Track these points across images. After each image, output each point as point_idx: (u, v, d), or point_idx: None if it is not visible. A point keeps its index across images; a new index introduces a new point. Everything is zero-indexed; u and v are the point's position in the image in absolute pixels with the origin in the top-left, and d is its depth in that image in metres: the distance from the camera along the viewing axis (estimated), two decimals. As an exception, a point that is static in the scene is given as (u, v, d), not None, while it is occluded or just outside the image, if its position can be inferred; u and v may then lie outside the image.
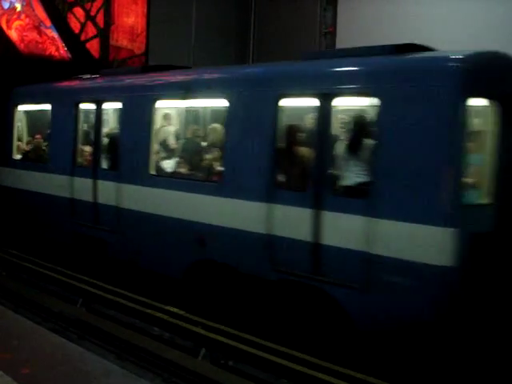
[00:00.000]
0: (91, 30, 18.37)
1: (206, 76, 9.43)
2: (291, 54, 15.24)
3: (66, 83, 12.34)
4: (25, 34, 17.03)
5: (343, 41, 17.78)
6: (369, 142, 7.02)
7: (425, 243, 6.23)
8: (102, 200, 10.25)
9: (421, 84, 6.48)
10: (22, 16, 16.97)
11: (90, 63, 17.34)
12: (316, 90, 7.34)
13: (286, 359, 6.91)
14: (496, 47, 6.97)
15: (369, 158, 6.88)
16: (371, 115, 7.05)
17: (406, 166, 6.46)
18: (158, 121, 9.70)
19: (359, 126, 7.30)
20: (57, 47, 17.67)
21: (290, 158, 7.76)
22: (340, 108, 7.59)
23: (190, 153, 9.37)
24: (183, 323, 8.12)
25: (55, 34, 17.58)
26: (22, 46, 16.97)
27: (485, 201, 6.68)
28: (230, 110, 8.29)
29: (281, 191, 7.53)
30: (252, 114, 7.98)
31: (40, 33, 17.32)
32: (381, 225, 6.51)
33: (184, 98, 9.21)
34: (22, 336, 7.10)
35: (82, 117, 11.25)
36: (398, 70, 6.95)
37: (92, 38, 18.42)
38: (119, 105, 10.23)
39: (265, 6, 21.03)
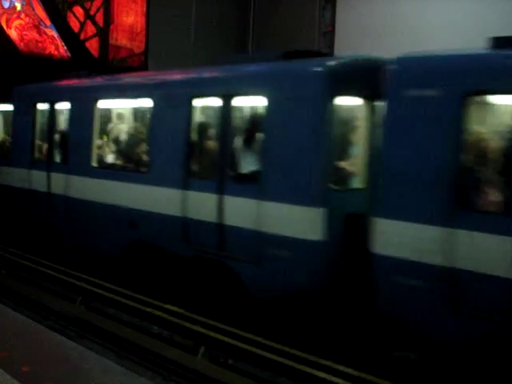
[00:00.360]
0: (91, 29, 18.41)
1: (136, 80, 10.71)
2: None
3: (25, 86, 12.83)
4: (24, 33, 17.07)
5: (342, 40, 17.84)
6: (259, 136, 8.02)
7: (300, 221, 7.33)
8: (54, 190, 11.35)
9: (297, 86, 7.63)
10: (22, 15, 17.01)
11: (89, 62, 17.37)
12: (219, 92, 8.40)
13: (286, 357, 6.91)
14: None
15: (259, 149, 7.92)
16: (261, 113, 8.09)
17: (287, 156, 7.56)
18: (98, 119, 10.65)
19: (252, 122, 8.38)
20: (56, 46, 17.70)
21: (200, 151, 8.87)
22: (238, 107, 8.45)
23: (124, 147, 10.53)
24: (182, 321, 8.12)
25: (55, 33, 17.62)
26: (21, 45, 17.01)
27: (356, 186, 7.67)
28: (154, 109, 9.41)
29: (193, 180, 8.60)
30: (170, 113, 9.07)
31: (40, 32, 17.36)
32: (267, 206, 7.60)
33: (119, 98, 10.61)
34: (22, 334, 7.10)
35: (38, 116, 12.14)
36: (281, 74, 8.08)
37: (91, 37, 18.46)
38: (68, 105, 11.28)
39: (264, 5, 21.06)
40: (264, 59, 8.57)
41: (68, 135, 11.18)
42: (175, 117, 8.96)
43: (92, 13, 18.38)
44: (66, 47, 17.81)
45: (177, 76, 9.99)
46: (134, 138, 10.42)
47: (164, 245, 9.10)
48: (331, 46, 18.28)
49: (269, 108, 7.75)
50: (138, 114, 10.73)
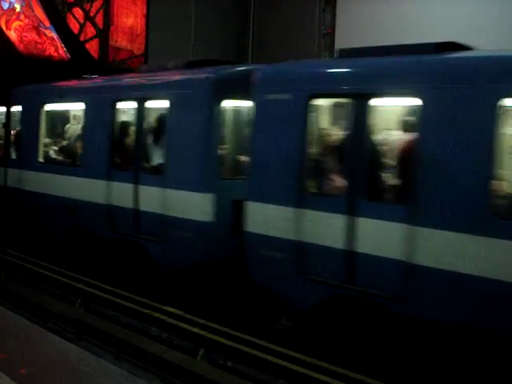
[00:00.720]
0: (90, 31, 18.39)
1: (72, 86, 12.10)
2: (290, 55, 15.29)
3: None
4: (24, 34, 17.04)
5: (342, 41, 17.81)
6: (164, 133, 9.32)
7: (195, 206, 8.70)
8: (10, 184, 12.92)
9: (192, 91, 9.02)
10: (22, 16, 16.99)
11: (89, 64, 17.36)
12: (135, 96, 9.87)
13: (285, 360, 6.91)
14: (495, 46, 7.16)
15: (164, 145, 9.25)
16: (165, 114, 9.34)
17: (184, 151, 8.91)
18: (44, 120, 12.19)
19: (159, 122, 9.60)
20: (56, 48, 17.68)
21: (121, 147, 10.24)
22: (149, 109, 9.75)
23: (64, 145, 12.09)
24: (181, 323, 8.11)
25: (54, 35, 17.60)
26: (21, 47, 16.98)
27: (241, 176, 8.60)
28: (86, 111, 10.93)
29: (115, 171, 10.02)
30: (98, 114, 10.56)
31: (39, 33, 17.34)
32: (170, 193, 8.97)
33: (60, 101, 11.99)
34: (21, 336, 7.08)
35: None
36: (180, 81, 9.53)
37: (91, 39, 18.44)
38: (20, 108, 12.96)
39: (264, 6, 21.05)
40: (173, 67, 10.26)
41: (21, 135, 12.84)
42: (102, 118, 10.40)
43: (92, 14, 18.37)
44: (65, 49, 17.79)
45: (104, 83, 11.52)
46: (71, 137, 11.94)
47: (94, 229, 10.55)
48: (331, 47, 18.27)
49: (171, 110, 9.14)
50: (74, 115, 11.98)
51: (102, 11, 18.55)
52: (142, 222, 9.47)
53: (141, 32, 19.31)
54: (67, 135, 12.08)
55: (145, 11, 19.33)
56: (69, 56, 17.81)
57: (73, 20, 18.03)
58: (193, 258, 8.83)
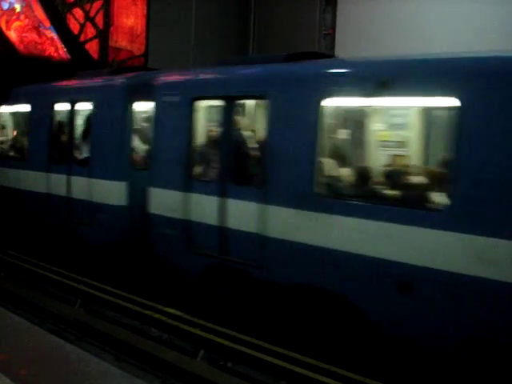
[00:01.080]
0: (90, 31, 18.38)
1: (20, 91, 13.13)
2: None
3: None
4: (24, 34, 17.04)
5: (342, 42, 17.84)
6: (89, 131, 10.84)
7: (112, 192, 10.09)
8: None
9: (110, 95, 10.50)
10: (22, 17, 16.99)
11: (89, 64, 17.35)
12: (69, 98, 11.27)
13: (285, 361, 6.90)
14: (494, 46, 7.19)
15: (89, 141, 10.70)
16: (90, 114, 10.77)
17: (104, 146, 10.36)
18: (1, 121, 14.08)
19: (86, 121, 10.92)
20: (56, 48, 17.68)
21: (57, 143, 11.53)
22: (80, 110, 11.13)
23: (16, 142, 13.50)
24: (182, 324, 8.11)
25: (54, 35, 17.59)
26: (21, 47, 16.98)
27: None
28: (31, 112, 12.45)
29: (53, 165, 11.39)
30: (41, 115, 11.93)
31: (39, 33, 17.33)
32: (93, 182, 10.40)
33: (16, 104, 13.33)
34: (21, 337, 7.08)
35: None
36: (102, 86, 10.99)
37: (91, 39, 18.43)
38: None
39: (264, 7, 21.05)
40: (101, 74, 11.78)
41: None
42: (43, 117, 11.80)
43: (92, 15, 18.36)
44: (65, 49, 17.79)
45: (44, 87, 12.65)
46: (20, 135, 13.42)
47: (40, 216, 11.92)
48: (332, 48, 18.27)
49: (95, 111, 10.58)
50: (24, 116, 13.24)
51: (102, 12, 18.54)
52: (72, 208, 10.95)
53: (141, 32, 19.31)
54: (17, 134, 13.74)
55: (145, 11, 19.33)
56: (69, 56, 17.81)
57: (73, 20, 18.03)
58: (111, 237, 10.25)
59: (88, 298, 9.47)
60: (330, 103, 7.13)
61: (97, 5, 18.41)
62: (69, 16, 17.93)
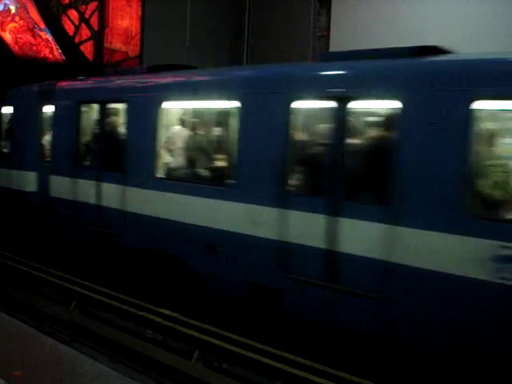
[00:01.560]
0: (85, 33, 18.37)
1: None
2: (285, 57, 15.28)
3: None
4: (19, 36, 17.02)
5: (337, 44, 17.84)
6: (11, 129, 12.76)
7: (26, 180, 12.08)
8: None
9: (27, 99, 12.31)
10: (17, 18, 16.96)
11: (84, 65, 17.33)
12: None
13: (281, 362, 6.89)
14: (494, 47, 7.20)
15: (11, 138, 12.78)
16: (12, 116, 12.78)
17: (20, 142, 12.26)
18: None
19: (10, 121, 12.83)
20: (51, 49, 17.66)
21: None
22: (5, 114, 13.10)
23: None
24: (176, 326, 8.09)
25: (49, 36, 17.57)
26: (16, 48, 16.95)
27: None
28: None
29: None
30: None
31: (34, 35, 17.31)
32: (14, 173, 12.39)
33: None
34: (15, 338, 7.07)
35: None
36: (22, 91, 12.68)
37: (86, 41, 18.42)
38: None
39: (259, 8, 21.06)
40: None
41: None
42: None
43: (87, 16, 18.35)
44: (60, 50, 17.77)
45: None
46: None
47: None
48: (326, 49, 18.29)
49: (14, 113, 12.75)
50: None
51: (96, 13, 18.54)
52: (4, 196, 12.92)
53: (136, 34, 19.31)
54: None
55: (140, 13, 19.33)
56: (64, 58, 17.79)
57: (68, 22, 18.02)
58: (29, 216, 12.22)
59: (83, 300, 9.44)
60: (166, 105, 9.21)
61: (92, 6, 18.40)
62: (64, 17, 17.91)
